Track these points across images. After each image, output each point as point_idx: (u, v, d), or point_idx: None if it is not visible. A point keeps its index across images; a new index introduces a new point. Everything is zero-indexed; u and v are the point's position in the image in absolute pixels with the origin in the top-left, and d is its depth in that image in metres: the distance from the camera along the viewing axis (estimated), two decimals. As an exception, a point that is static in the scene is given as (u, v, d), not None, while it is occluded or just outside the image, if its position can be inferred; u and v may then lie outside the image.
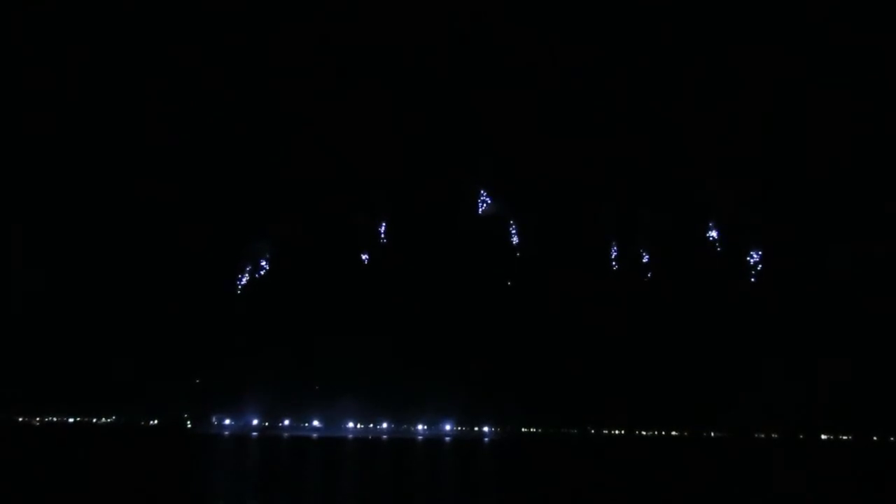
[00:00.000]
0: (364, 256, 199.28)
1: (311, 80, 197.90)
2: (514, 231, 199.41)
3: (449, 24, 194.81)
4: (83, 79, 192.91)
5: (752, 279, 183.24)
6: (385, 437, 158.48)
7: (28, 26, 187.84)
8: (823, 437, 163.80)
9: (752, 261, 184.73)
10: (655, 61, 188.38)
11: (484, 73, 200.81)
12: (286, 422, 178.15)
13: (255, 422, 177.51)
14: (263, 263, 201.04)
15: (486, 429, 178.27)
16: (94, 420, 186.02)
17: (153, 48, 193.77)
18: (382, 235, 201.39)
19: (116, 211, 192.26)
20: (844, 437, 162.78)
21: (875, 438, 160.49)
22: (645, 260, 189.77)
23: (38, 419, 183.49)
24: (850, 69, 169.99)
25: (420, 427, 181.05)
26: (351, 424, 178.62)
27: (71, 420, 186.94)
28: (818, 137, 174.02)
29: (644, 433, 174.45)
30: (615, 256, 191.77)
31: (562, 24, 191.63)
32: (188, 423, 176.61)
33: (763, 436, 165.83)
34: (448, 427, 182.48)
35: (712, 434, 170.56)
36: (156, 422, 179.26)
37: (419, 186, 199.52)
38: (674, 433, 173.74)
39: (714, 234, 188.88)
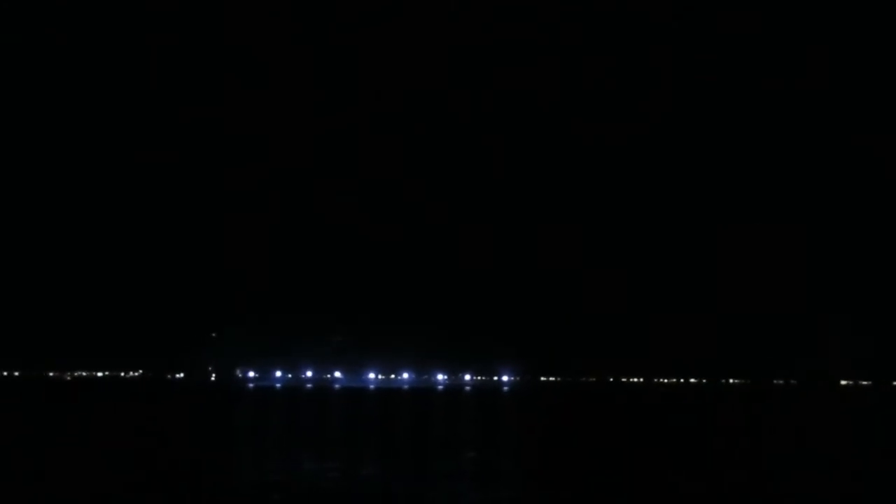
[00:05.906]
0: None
1: (310, 80, 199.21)
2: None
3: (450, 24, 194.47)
4: (83, 78, 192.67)
5: None
6: (406, 387, 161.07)
7: (28, 26, 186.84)
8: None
9: None
10: (655, 61, 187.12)
11: (484, 74, 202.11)
12: (308, 373, 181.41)
13: (277, 373, 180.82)
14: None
15: (504, 378, 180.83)
16: (122, 374, 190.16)
17: (153, 48, 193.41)
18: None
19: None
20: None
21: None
22: None
23: (54, 373, 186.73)
24: (850, 69, 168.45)
25: (440, 377, 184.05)
26: (372, 375, 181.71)
27: (99, 374, 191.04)
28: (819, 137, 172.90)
29: (665, 381, 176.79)
30: None
31: (562, 25, 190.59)
32: (212, 375, 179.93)
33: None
34: (467, 377, 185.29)
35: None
36: (181, 375, 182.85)
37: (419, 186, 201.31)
38: (692, 381, 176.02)
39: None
